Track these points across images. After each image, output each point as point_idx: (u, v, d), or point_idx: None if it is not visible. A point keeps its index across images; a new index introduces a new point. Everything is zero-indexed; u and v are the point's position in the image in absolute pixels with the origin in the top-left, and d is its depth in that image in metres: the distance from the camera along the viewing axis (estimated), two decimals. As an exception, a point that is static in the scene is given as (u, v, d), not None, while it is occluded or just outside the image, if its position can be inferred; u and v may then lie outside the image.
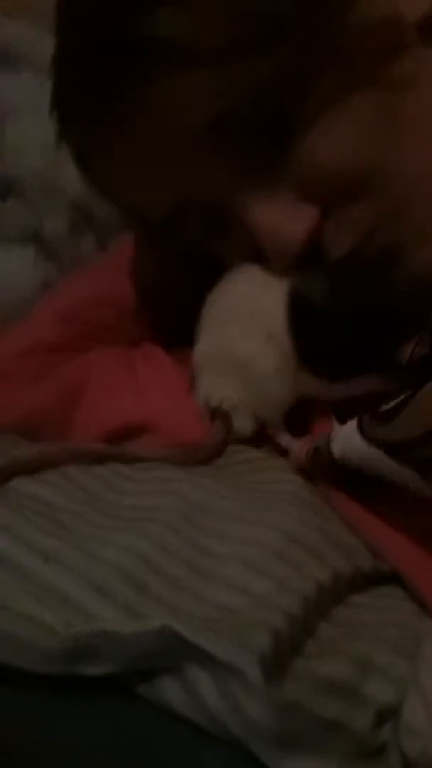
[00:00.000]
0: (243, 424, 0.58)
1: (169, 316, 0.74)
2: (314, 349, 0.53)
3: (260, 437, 0.59)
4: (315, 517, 0.49)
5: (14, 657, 0.39)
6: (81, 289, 0.76)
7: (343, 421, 0.48)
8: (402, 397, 0.44)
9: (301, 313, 0.53)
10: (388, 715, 0.36)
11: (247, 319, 0.58)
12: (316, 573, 0.42)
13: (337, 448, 0.47)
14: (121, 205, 0.66)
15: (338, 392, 0.53)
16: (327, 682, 0.37)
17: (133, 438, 0.62)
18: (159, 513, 0.49)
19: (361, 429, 0.44)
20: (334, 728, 0.35)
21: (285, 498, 0.50)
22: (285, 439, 0.56)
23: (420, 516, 0.46)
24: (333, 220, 0.53)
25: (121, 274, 0.78)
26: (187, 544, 0.45)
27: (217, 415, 0.57)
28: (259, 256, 0.56)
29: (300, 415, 0.58)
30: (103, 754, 0.37)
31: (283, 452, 0.56)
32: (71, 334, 0.70)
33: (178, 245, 0.62)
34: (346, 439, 0.46)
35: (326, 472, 0.51)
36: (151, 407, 0.63)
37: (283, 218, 0.53)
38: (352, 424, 0.45)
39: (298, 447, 0.53)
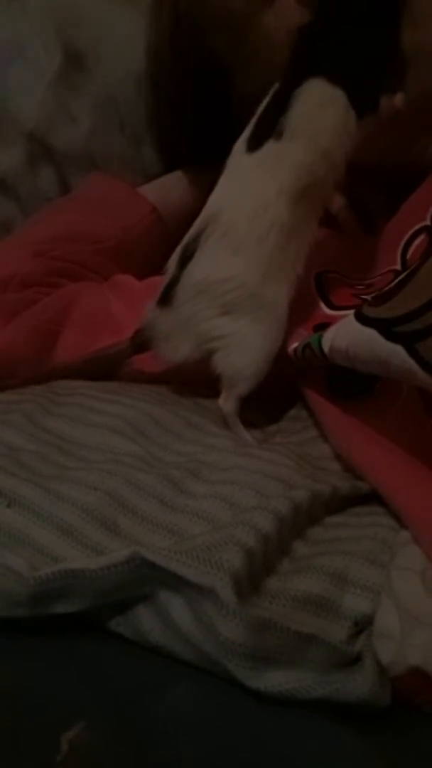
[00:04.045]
0: None
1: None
2: None
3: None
4: (292, 453, 0.52)
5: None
6: (54, 225, 0.79)
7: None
8: (404, 275, 0.48)
9: None
10: (364, 625, 0.39)
11: None
12: (291, 494, 0.45)
13: (328, 340, 0.51)
14: None
15: None
16: (302, 598, 0.40)
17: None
18: (128, 447, 0.52)
19: (359, 315, 0.48)
20: (310, 642, 0.38)
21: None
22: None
23: (400, 431, 0.49)
24: None
25: (95, 211, 0.81)
26: (160, 480, 0.48)
27: None
28: None
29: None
30: (72, 693, 0.40)
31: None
32: (44, 269, 0.73)
33: None
34: (340, 328, 0.50)
35: (314, 372, 0.56)
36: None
37: None
38: (349, 317, 0.49)
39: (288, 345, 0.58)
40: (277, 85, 0.59)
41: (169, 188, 0.84)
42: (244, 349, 0.57)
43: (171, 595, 0.40)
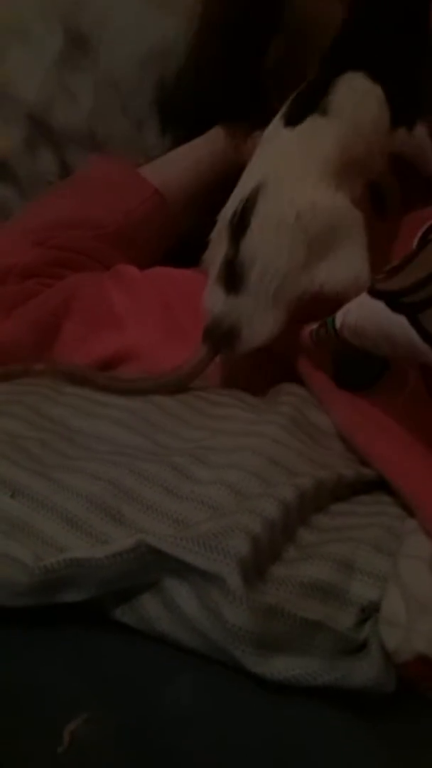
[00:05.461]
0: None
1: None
2: None
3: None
4: (296, 430, 0.54)
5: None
6: (55, 209, 0.80)
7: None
8: (413, 251, 0.51)
9: None
10: (371, 612, 0.41)
11: None
12: (296, 481, 0.46)
13: (340, 316, 0.53)
14: None
15: None
16: (309, 585, 0.41)
17: (111, 369, 0.67)
18: (132, 439, 0.53)
19: (370, 290, 0.50)
20: (317, 629, 0.40)
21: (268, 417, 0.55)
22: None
23: (407, 419, 0.50)
24: None
25: (95, 194, 0.82)
26: (164, 468, 0.49)
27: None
28: None
29: None
30: (74, 685, 0.41)
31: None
32: (45, 259, 0.74)
33: None
34: (352, 304, 0.52)
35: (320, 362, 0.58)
36: (128, 339, 0.68)
37: None
38: (362, 294, 0.51)
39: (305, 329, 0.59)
40: (311, 77, 0.63)
41: (170, 166, 0.85)
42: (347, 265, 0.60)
43: (177, 582, 0.42)
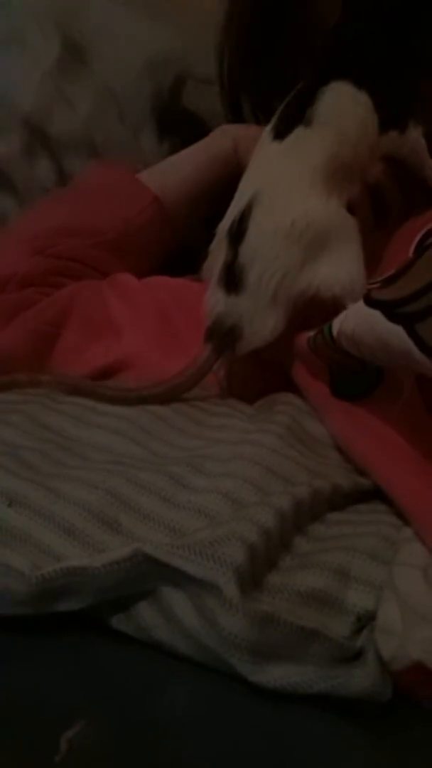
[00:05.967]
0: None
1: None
2: None
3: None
4: (293, 439, 0.55)
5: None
6: (53, 217, 0.81)
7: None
8: (410, 259, 0.52)
9: None
10: (367, 620, 0.41)
11: None
12: (292, 490, 0.47)
13: (336, 323, 0.54)
14: None
15: None
16: (305, 593, 0.42)
17: (109, 378, 0.68)
18: (129, 448, 0.54)
19: (366, 298, 0.51)
20: (312, 637, 0.40)
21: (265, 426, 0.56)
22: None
23: (403, 429, 0.51)
24: None
25: (95, 201, 0.82)
26: (161, 477, 0.50)
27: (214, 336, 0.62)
28: None
29: None
30: (72, 693, 0.42)
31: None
32: (43, 268, 0.75)
33: None
34: (349, 312, 0.54)
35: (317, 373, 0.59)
36: (126, 348, 0.69)
37: None
38: (359, 302, 0.52)
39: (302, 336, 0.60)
40: (300, 85, 0.64)
41: (170, 173, 0.85)
42: (343, 268, 0.61)
43: (173, 590, 0.42)
